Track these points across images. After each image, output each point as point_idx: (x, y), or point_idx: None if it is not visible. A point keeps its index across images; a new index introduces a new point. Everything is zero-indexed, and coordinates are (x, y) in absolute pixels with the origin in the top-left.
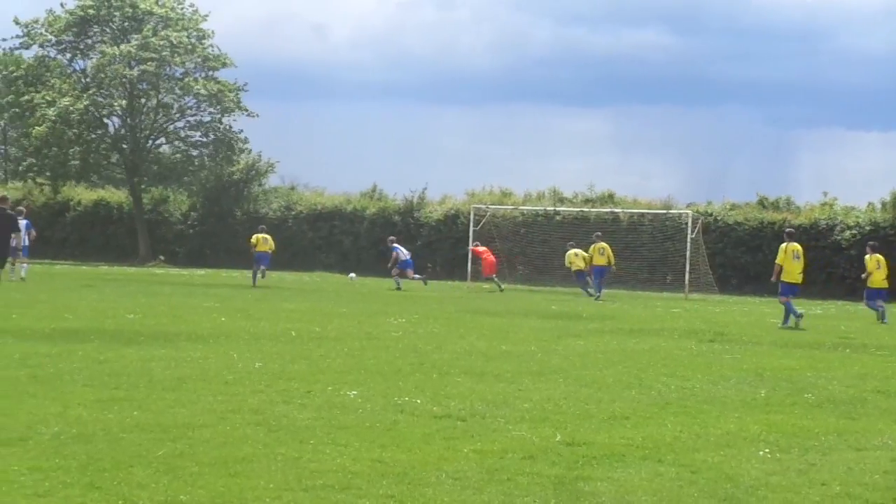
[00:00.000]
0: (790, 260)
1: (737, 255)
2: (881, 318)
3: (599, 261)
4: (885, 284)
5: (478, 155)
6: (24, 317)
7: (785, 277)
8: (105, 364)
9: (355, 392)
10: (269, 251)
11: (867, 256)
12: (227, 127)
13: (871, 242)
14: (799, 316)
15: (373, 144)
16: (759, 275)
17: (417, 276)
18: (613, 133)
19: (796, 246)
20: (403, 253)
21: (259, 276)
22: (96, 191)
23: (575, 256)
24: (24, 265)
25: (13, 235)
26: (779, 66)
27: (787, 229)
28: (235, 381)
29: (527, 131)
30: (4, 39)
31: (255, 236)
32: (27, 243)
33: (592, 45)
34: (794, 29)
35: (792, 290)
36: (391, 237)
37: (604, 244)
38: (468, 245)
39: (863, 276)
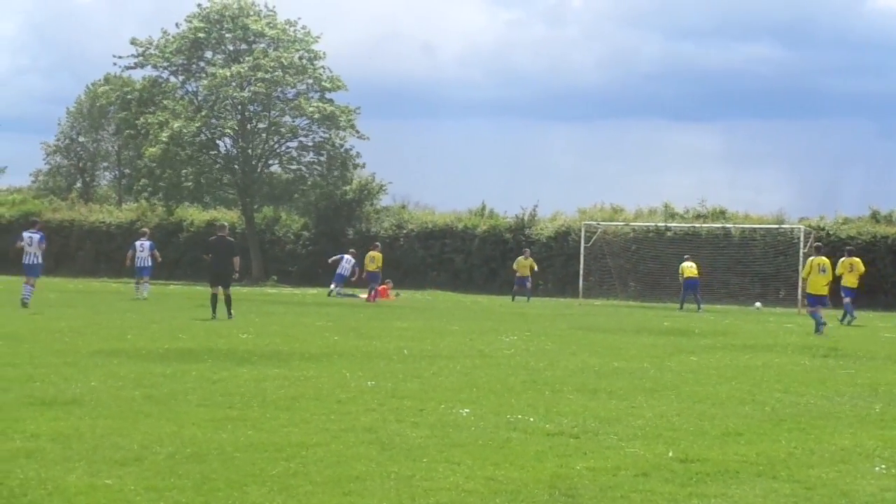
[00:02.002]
0: (816, 273)
1: None
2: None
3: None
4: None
5: (588, 171)
6: (139, 337)
7: (811, 290)
8: (219, 384)
9: (468, 410)
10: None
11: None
12: (340, 146)
13: (848, 248)
14: (823, 324)
15: (483, 162)
16: (873, 289)
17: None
18: (724, 148)
19: (823, 260)
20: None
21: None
22: (209, 211)
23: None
24: (147, 285)
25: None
26: (891, 77)
27: (815, 244)
28: (348, 399)
29: (637, 147)
30: (120, 58)
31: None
32: (151, 264)
33: (702, 60)
34: None
35: (820, 301)
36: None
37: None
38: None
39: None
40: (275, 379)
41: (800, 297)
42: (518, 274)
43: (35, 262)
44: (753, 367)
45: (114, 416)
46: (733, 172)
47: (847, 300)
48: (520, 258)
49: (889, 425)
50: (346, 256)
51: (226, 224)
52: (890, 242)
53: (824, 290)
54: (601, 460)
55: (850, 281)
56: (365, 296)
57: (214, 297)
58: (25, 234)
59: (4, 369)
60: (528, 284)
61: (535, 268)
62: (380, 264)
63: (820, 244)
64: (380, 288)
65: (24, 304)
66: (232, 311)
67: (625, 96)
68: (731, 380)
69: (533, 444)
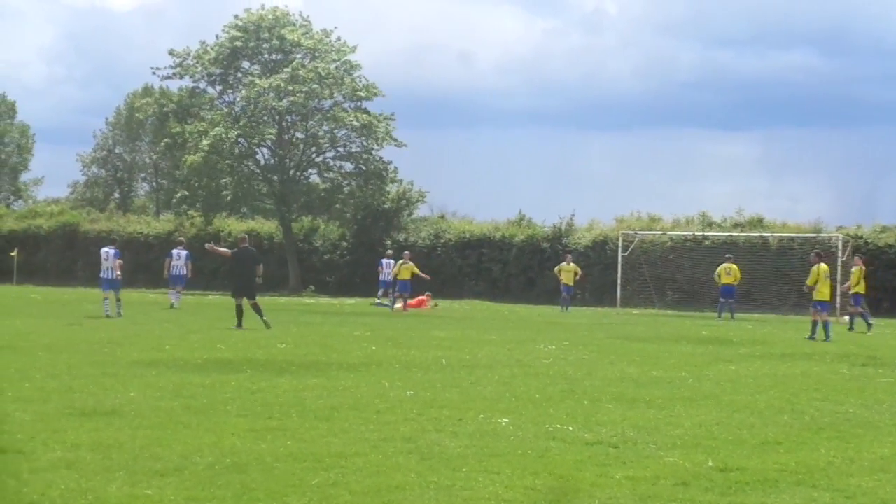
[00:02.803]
0: (823, 279)
1: (888, 277)
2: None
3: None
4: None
5: (625, 180)
6: (178, 348)
7: (819, 296)
8: (258, 394)
9: (507, 419)
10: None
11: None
12: (377, 157)
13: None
14: (815, 334)
15: (520, 171)
16: None
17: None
18: (762, 156)
19: (826, 267)
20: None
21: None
22: (246, 221)
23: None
24: (179, 294)
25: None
26: None
27: (817, 250)
28: (387, 409)
29: (674, 156)
30: (158, 69)
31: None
32: (185, 272)
33: (739, 68)
34: None
35: (825, 307)
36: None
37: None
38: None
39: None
40: (314, 389)
41: (838, 305)
42: (563, 281)
43: (111, 276)
44: (792, 376)
45: (153, 426)
46: (771, 181)
47: (860, 308)
48: (562, 264)
49: None
50: (385, 261)
51: (246, 235)
52: None
53: (829, 296)
54: (640, 469)
55: (862, 288)
56: (399, 305)
57: (240, 308)
58: (103, 250)
59: (44, 380)
60: (571, 293)
61: (579, 273)
62: (413, 273)
63: (821, 251)
64: (418, 299)
65: (108, 316)
66: (265, 318)
67: (662, 105)
68: (769, 389)
69: (572, 453)
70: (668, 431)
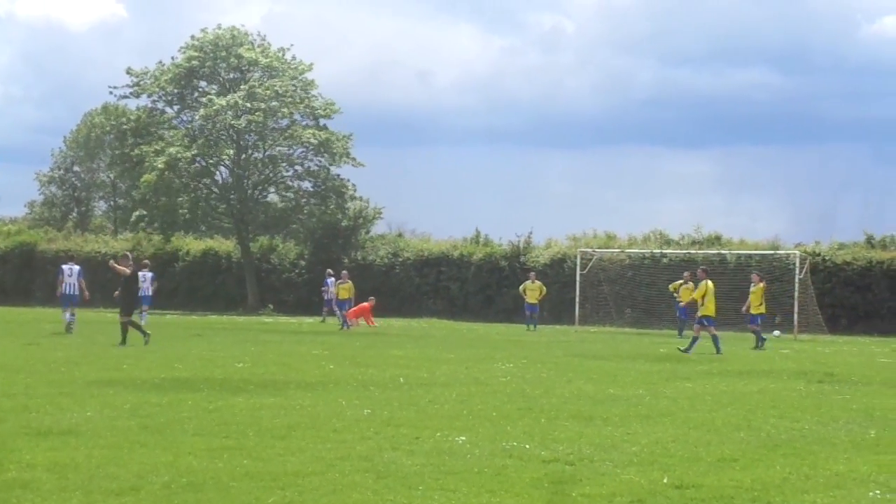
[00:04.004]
0: (710, 296)
1: (846, 294)
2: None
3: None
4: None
5: (583, 198)
6: (135, 367)
7: (705, 312)
8: (214, 413)
9: (463, 438)
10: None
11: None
12: (335, 175)
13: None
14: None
15: (478, 189)
16: (869, 314)
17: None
18: (720, 174)
19: (713, 284)
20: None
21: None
22: (205, 240)
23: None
24: (145, 315)
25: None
26: (887, 102)
27: (703, 266)
28: (344, 428)
29: (632, 174)
30: (116, 87)
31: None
32: (150, 293)
33: (697, 86)
34: None
35: (711, 322)
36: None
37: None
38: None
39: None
40: (271, 408)
41: (796, 322)
42: (527, 300)
43: (73, 291)
44: (749, 393)
45: (110, 445)
46: (729, 199)
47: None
48: (527, 283)
49: (884, 450)
50: (330, 280)
51: (129, 254)
52: (885, 267)
53: (714, 313)
54: (597, 487)
55: (764, 308)
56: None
57: (126, 326)
58: (65, 266)
59: (0, 400)
60: (537, 312)
61: (544, 291)
62: (351, 292)
63: (707, 267)
64: (360, 306)
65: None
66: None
67: (620, 123)
68: (726, 406)
69: (529, 471)
70: (624, 449)
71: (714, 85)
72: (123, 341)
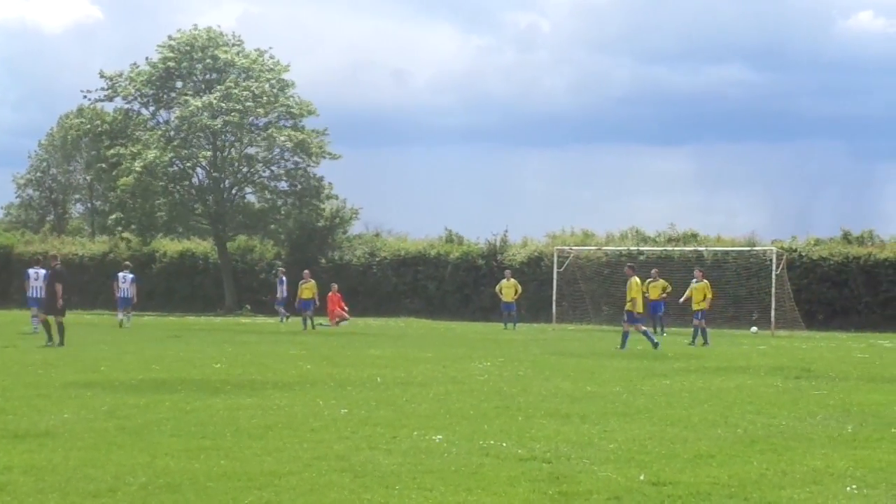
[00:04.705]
0: (637, 291)
1: (822, 290)
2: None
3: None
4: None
5: (559, 196)
6: (112, 368)
7: (636, 308)
8: (192, 414)
9: (440, 436)
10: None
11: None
12: (313, 174)
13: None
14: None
15: (455, 188)
16: (846, 310)
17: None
18: (696, 171)
19: (639, 280)
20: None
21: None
22: (182, 242)
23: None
24: (129, 316)
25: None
26: (863, 99)
27: (630, 264)
28: (321, 428)
29: (608, 171)
30: (90, 91)
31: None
32: (131, 295)
33: (673, 84)
34: (877, 62)
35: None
36: (281, 268)
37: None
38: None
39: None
40: (248, 408)
41: (773, 318)
42: (504, 299)
43: (38, 295)
44: (726, 390)
45: (87, 447)
46: (706, 196)
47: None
48: (503, 281)
49: (861, 445)
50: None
51: (56, 254)
52: (861, 263)
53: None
54: (574, 485)
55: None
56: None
57: (48, 324)
58: (31, 270)
59: None
60: (514, 310)
61: (520, 290)
62: (314, 292)
63: (633, 265)
64: (329, 296)
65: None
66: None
67: (596, 121)
68: (703, 402)
69: (505, 469)
70: (601, 446)
71: (689, 82)
72: (51, 339)
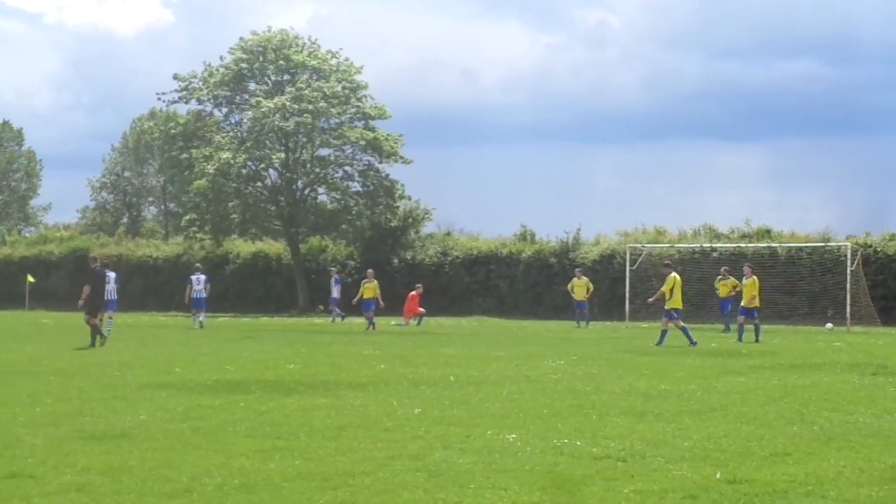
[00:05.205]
0: (678, 288)
1: None
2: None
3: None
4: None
5: (631, 193)
6: (187, 369)
7: (674, 304)
8: (266, 414)
9: (514, 435)
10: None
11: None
12: (385, 174)
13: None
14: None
15: (526, 186)
16: None
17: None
18: (769, 167)
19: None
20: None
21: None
22: (255, 243)
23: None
24: (202, 316)
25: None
26: None
27: (667, 261)
28: (395, 427)
29: (680, 168)
30: (164, 93)
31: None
32: (205, 296)
33: (745, 79)
34: None
35: (679, 314)
36: (333, 268)
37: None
38: (625, 285)
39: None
40: (322, 408)
41: (848, 315)
42: (575, 298)
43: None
44: (801, 387)
45: (163, 448)
46: (779, 191)
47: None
48: (574, 280)
49: None
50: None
51: (97, 256)
52: None
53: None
54: (648, 483)
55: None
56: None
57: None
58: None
59: (55, 404)
60: (586, 308)
61: (591, 288)
62: (376, 292)
63: (671, 262)
64: (410, 295)
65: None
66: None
67: (667, 117)
68: (778, 400)
69: (580, 468)
70: (676, 444)
71: (761, 77)
72: (97, 340)
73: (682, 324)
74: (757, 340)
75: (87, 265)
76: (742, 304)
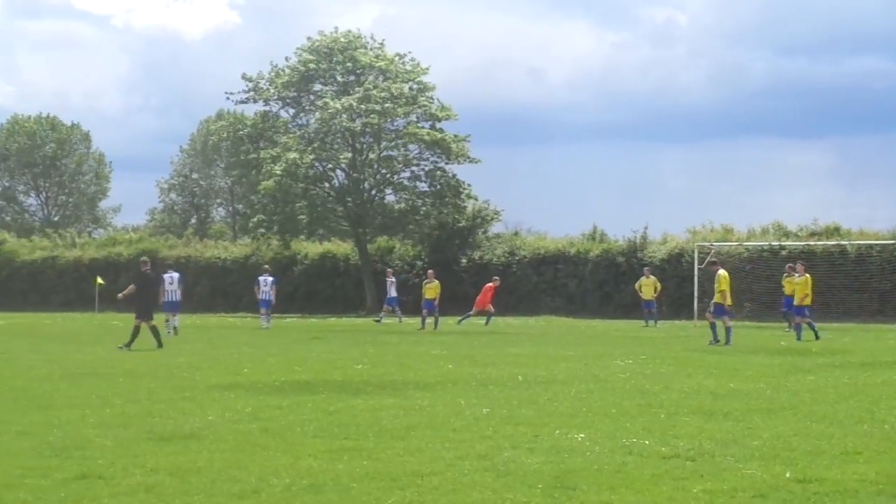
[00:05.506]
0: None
1: None
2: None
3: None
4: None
5: (698, 192)
6: (255, 370)
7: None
8: (334, 415)
9: (583, 435)
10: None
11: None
12: (452, 175)
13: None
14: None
15: (592, 185)
16: None
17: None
18: (837, 164)
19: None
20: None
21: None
22: (322, 244)
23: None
24: (269, 317)
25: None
26: None
27: (713, 259)
28: (463, 427)
29: (747, 166)
30: (232, 93)
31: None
32: (272, 297)
33: (813, 75)
34: None
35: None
36: (389, 269)
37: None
38: (694, 283)
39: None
40: (390, 408)
41: None
42: (643, 297)
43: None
44: (872, 385)
45: (231, 449)
46: (847, 189)
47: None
48: (642, 278)
49: None
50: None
51: (147, 259)
52: None
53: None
54: (718, 482)
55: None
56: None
57: (138, 329)
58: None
59: (125, 405)
60: (654, 307)
61: (659, 287)
62: (437, 292)
63: (717, 259)
64: (485, 287)
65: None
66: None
67: (734, 115)
68: (848, 398)
69: (648, 467)
70: (745, 443)
71: (829, 73)
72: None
73: (729, 322)
74: (798, 339)
75: (147, 268)
76: (794, 302)
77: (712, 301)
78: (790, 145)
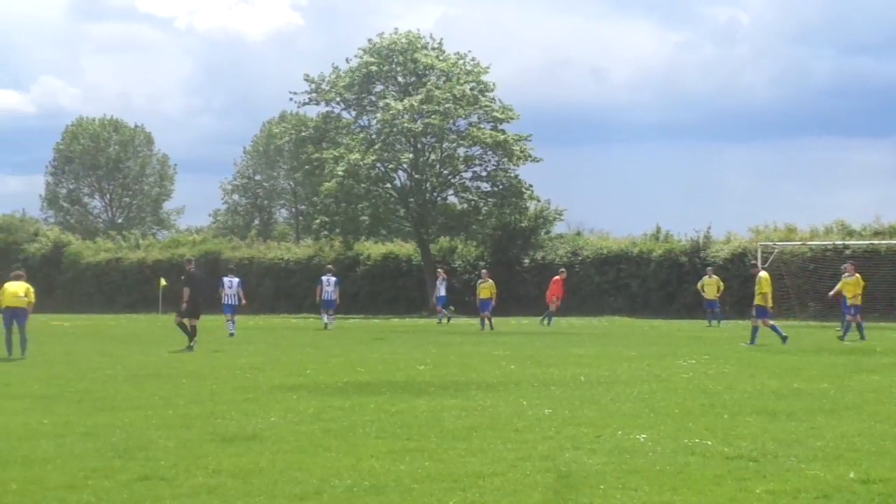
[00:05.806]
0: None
1: None
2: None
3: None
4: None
5: (761, 191)
6: (318, 371)
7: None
8: (396, 415)
9: (645, 435)
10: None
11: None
12: (514, 175)
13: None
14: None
15: (655, 185)
16: None
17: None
18: None
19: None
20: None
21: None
22: (385, 244)
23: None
24: (333, 317)
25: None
26: None
27: (753, 262)
28: (525, 428)
29: (811, 165)
30: (295, 94)
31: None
32: (335, 298)
33: (878, 74)
34: None
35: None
36: (440, 269)
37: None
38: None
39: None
40: (452, 409)
41: None
42: (706, 296)
43: (234, 302)
44: None
45: (293, 450)
46: None
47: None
48: (704, 278)
49: None
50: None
51: (192, 258)
52: None
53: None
54: (781, 483)
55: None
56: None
57: (184, 326)
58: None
59: (188, 406)
60: (717, 308)
61: (722, 286)
62: (492, 292)
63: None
64: (553, 280)
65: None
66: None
67: (798, 114)
68: None
69: (711, 468)
70: (809, 444)
71: (894, 72)
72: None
73: (771, 322)
74: (841, 338)
75: (192, 266)
76: (849, 301)
77: (754, 304)
78: (853, 144)
